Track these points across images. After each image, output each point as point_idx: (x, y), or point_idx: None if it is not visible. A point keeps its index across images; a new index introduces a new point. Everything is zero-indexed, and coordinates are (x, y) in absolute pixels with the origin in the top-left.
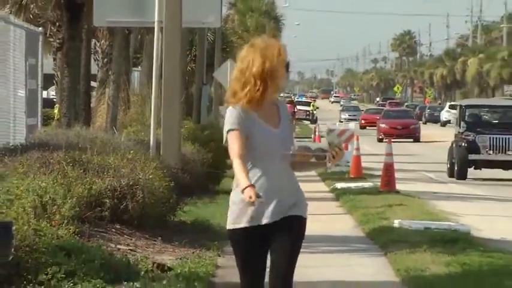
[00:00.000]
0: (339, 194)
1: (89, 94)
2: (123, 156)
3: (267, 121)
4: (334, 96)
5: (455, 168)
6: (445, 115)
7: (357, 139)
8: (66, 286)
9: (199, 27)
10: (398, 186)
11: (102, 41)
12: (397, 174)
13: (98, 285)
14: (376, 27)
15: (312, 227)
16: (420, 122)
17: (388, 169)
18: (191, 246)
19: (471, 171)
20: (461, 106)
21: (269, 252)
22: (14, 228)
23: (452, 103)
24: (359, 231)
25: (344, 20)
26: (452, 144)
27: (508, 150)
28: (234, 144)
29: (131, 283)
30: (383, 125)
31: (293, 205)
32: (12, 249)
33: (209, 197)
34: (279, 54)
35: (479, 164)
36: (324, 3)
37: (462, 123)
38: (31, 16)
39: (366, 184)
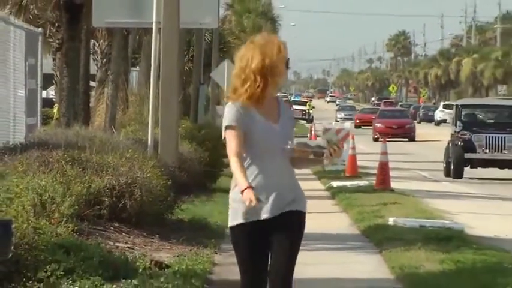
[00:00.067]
0: (334, 193)
1: (88, 94)
2: (122, 155)
3: (267, 117)
4: (330, 96)
5: (452, 167)
6: (439, 114)
7: (353, 138)
8: (65, 283)
9: (196, 28)
10: (393, 185)
11: (101, 42)
12: (392, 173)
13: (96, 283)
14: (372, 27)
15: (308, 225)
16: (415, 121)
17: (383, 168)
18: (188, 243)
19: (467, 171)
20: (457, 106)
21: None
22: (13, 226)
23: (447, 103)
24: (354, 229)
25: (340, 20)
26: (448, 143)
27: (504, 149)
28: (231, 142)
29: (129, 280)
30: (379, 125)
31: (292, 201)
32: (12, 247)
33: (206, 195)
34: (279, 51)
35: (475, 163)
36: (320, 5)
37: (458, 123)
38: (31, 17)
39: (361, 182)
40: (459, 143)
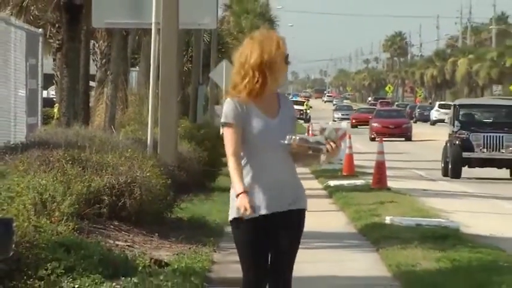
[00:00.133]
0: (331, 191)
1: (88, 94)
2: (121, 154)
3: (266, 112)
4: (327, 96)
5: (450, 166)
6: (434, 114)
7: (350, 137)
8: (66, 281)
9: (195, 29)
10: (390, 184)
11: (101, 42)
12: (388, 172)
13: (96, 280)
14: (368, 28)
15: (306, 224)
16: (411, 121)
17: (380, 167)
18: (188, 242)
19: (465, 170)
20: (455, 106)
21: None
22: (14, 224)
23: (442, 102)
24: (351, 228)
25: (337, 21)
26: (446, 143)
27: (502, 149)
28: (228, 140)
29: (129, 278)
30: (375, 124)
31: (293, 201)
32: (13, 245)
33: (205, 194)
34: (277, 46)
35: (473, 162)
36: (317, 6)
37: (456, 123)
38: (31, 18)
39: (358, 181)
40: (457, 142)
